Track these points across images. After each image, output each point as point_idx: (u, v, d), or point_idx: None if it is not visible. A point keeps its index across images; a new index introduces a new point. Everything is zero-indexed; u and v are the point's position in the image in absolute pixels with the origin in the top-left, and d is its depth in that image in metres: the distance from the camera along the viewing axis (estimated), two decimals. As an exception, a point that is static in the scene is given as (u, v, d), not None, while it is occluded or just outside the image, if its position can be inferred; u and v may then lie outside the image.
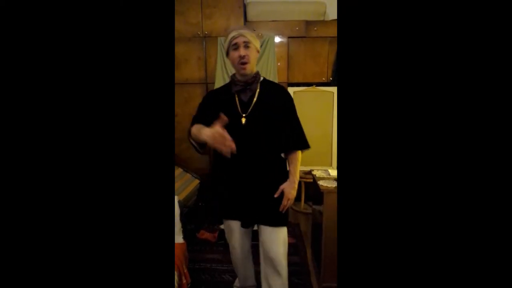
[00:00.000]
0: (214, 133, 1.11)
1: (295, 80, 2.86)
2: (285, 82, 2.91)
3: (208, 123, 1.18)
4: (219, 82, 2.93)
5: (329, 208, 1.59)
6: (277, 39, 2.84)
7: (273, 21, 2.84)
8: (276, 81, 2.86)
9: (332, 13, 2.94)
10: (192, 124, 1.34)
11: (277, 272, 1.37)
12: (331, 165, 2.70)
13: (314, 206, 2.14)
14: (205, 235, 2.38)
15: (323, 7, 2.87)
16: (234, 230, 1.42)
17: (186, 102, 3.00)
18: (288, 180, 1.32)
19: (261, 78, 1.34)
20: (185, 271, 1.61)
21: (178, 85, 2.91)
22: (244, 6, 2.86)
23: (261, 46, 2.82)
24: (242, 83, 1.29)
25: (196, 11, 2.84)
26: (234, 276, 1.91)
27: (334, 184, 1.66)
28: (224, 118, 1.11)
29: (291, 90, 2.83)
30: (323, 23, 2.82)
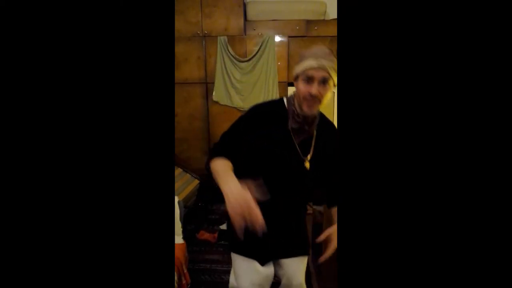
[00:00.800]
0: (240, 201, 0.77)
1: (295, 80, 2.86)
2: (285, 82, 2.92)
3: (247, 157, 0.99)
4: (218, 82, 2.93)
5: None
6: (277, 39, 2.84)
7: (273, 20, 2.84)
8: (276, 80, 2.87)
9: (332, 12, 2.94)
10: (220, 149, 1.03)
11: None
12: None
13: (314, 207, 2.14)
14: (205, 235, 2.37)
15: (324, 7, 2.86)
16: (247, 267, 1.10)
17: (186, 101, 3.00)
18: (332, 225, 1.03)
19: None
20: (185, 271, 1.61)
21: (178, 84, 2.90)
22: (244, 5, 2.86)
23: (261, 45, 2.83)
24: (301, 120, 1.02)
25: (196, 10, 2.84)
26: (234, 276, 1.90)
27: (334, 184, 1.65)
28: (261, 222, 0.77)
29: (291, 89, 2.82)
30: (324, 22, 2.82)
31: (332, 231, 0.98)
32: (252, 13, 2.87)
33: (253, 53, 2.85)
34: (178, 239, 1.68)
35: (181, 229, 1.73)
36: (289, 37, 2.82)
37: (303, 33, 2.79)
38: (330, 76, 0.94)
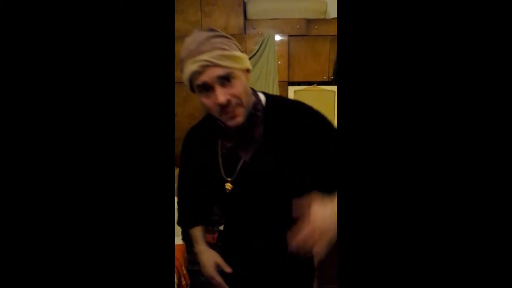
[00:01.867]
0: (212, 276, 0.98)
1: (296, 79, 2.85)
2: (285, 81, 2.91)
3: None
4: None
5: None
6: (278, 38, 2.83)
7: (273, 19, 2.83)
8: (276, 80, 2.85)
9: (333, 11, 2.93)
10: (185, 220, 1.04)
11: None
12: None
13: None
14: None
15: (324, 6, 2.86)
16: None
17: (186, 101, 2.99)
18: (307, 222, 0.73)
19: (263, 103, 0.80)
20: (184, 272, 1.61)
21: (178, 84, 2.87)
22: (244, 4, 2.85)
23: (261, 44, 2.82)
24: (233, 135, 0.79)
25: (196, 9, 2.82)
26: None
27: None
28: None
29: (291, 89, 2.82)
30: (324, 21, 2.81)
31: (308, 232, 0.66)
32: (252, 12, 2.87)
33: (253, 52, 2.84)
34: (178, 240, 1.67)
35: (181, 230, 1.72)
36: (290, 36, 2.81)
37: (304, 32, 2.78)
38: (229, 66, 0.66)
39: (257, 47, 2.84)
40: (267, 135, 0.78)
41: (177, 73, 2.33)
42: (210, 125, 0.85)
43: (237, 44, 0.73)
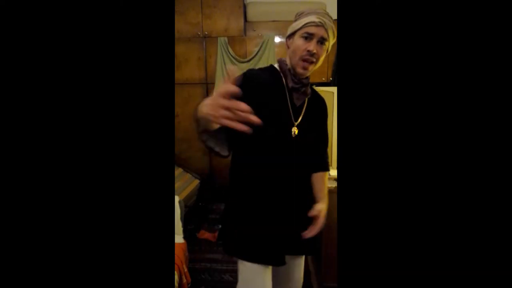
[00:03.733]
0: (214, 101, 0.60)
1: (295, 80, 2.85)
2: (285, 82, 2.90)
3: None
4: (219, 83, 2.92)
5: (329, 208, 1.58)
6: (277, 39, 2.84)
7: (273, 21, 2.84)
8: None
9: (332, 13, 2.92)
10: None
11: None
12: (331, 165, 2.69)
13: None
14: (205, 235, 2.38)
15: (324, 7, 2.86)
16: (260, 274, 0.98)
17: (186, 102, 3.00)
18: (322, 201, 1.04)
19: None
20: (185, 270, 1.61)
21: (178, 85, 2.91)
22: (244, 6, 2.86)
23: (261, 46, 2.83)
24: (298, 82, 0.95)
25: (196, 11, 2.84)
26: (234, 276, 1.91)
27: (334, 184, 1.66)
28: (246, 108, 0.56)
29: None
30: (323, 23, 2.81)
31: (322, 207, 1.00)
32: (252, 14, 2.88)
33: (253, 54, 2.86)
34: (179, 239, 1.68)
35: (182, 229, 1.73)
36: (289, 37, 2.81)
37: (303, 33, 2.79)
38: (328, 37, 0.91)
39: (257, 49, 2.85)
40: (311, 103, 1.02)
41: (177, 74, 2.32)
42: (272, 70, 1.01)
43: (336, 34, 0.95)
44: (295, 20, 0.96)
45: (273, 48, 2.82)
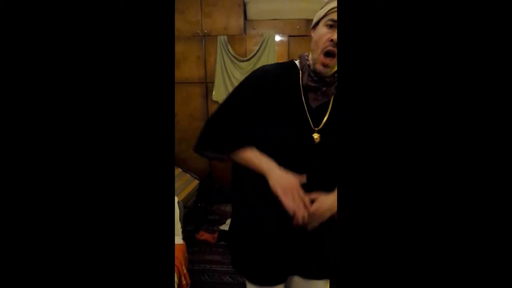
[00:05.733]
0: (293, 193, 0.73)
1: (295, 79, 2.85)
2: (285, 82, 2.91)
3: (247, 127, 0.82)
4: (218, 82, 2.92)
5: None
6: (278, 38, 2.84)
7: (273, 19, 2.83)
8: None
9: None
10: (217, 119, 0.88)
11: None
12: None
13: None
14: (204, 236, 2.37)
15: (324, 6, 2.86)
16: None
17: (186, 101, 2.99)
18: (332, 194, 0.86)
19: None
20: (185, 272, 1.60)
21: (177, 84, 2.90)
22: (244, 5, 2.85)
23: (261, 44, 2.83)
24: (317, 80, 0.82)
25: (196, 10, 2.83)
26: (233, 277, 1.90)
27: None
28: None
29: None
30: (324, 22, 2.81)
31: (328, 198, 0.79)
32: (252, 13, 2.87)
33: (253, 53, 2.85)
34: (178, 240, 1.67)
35: (181, 230, 1.72)
36: (289, 36, 2.81)
37: (304, 32, 2.79)
38: None
39: (257, 48, 2.84)
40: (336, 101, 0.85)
41: (177, 73, 2.32)
42: (289, 66, 0.89)
43: None
44: (321, 8, 0.81)
45: (273, 47, 2.81)
